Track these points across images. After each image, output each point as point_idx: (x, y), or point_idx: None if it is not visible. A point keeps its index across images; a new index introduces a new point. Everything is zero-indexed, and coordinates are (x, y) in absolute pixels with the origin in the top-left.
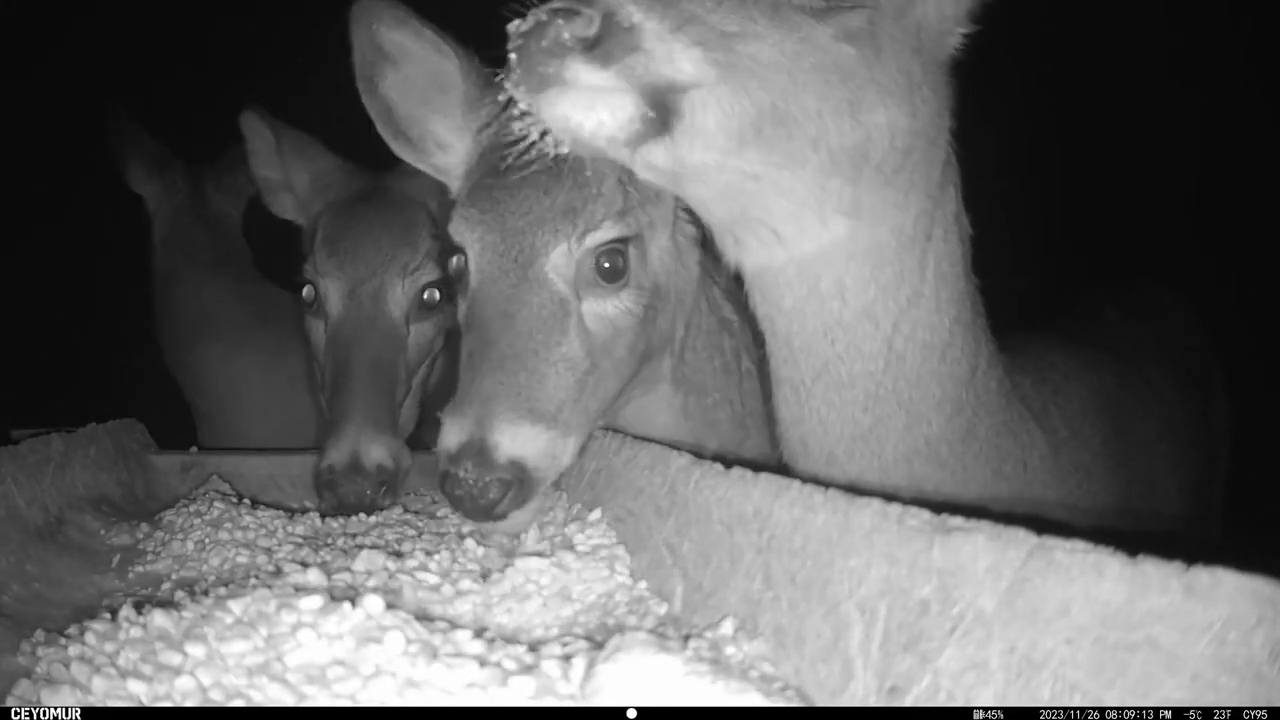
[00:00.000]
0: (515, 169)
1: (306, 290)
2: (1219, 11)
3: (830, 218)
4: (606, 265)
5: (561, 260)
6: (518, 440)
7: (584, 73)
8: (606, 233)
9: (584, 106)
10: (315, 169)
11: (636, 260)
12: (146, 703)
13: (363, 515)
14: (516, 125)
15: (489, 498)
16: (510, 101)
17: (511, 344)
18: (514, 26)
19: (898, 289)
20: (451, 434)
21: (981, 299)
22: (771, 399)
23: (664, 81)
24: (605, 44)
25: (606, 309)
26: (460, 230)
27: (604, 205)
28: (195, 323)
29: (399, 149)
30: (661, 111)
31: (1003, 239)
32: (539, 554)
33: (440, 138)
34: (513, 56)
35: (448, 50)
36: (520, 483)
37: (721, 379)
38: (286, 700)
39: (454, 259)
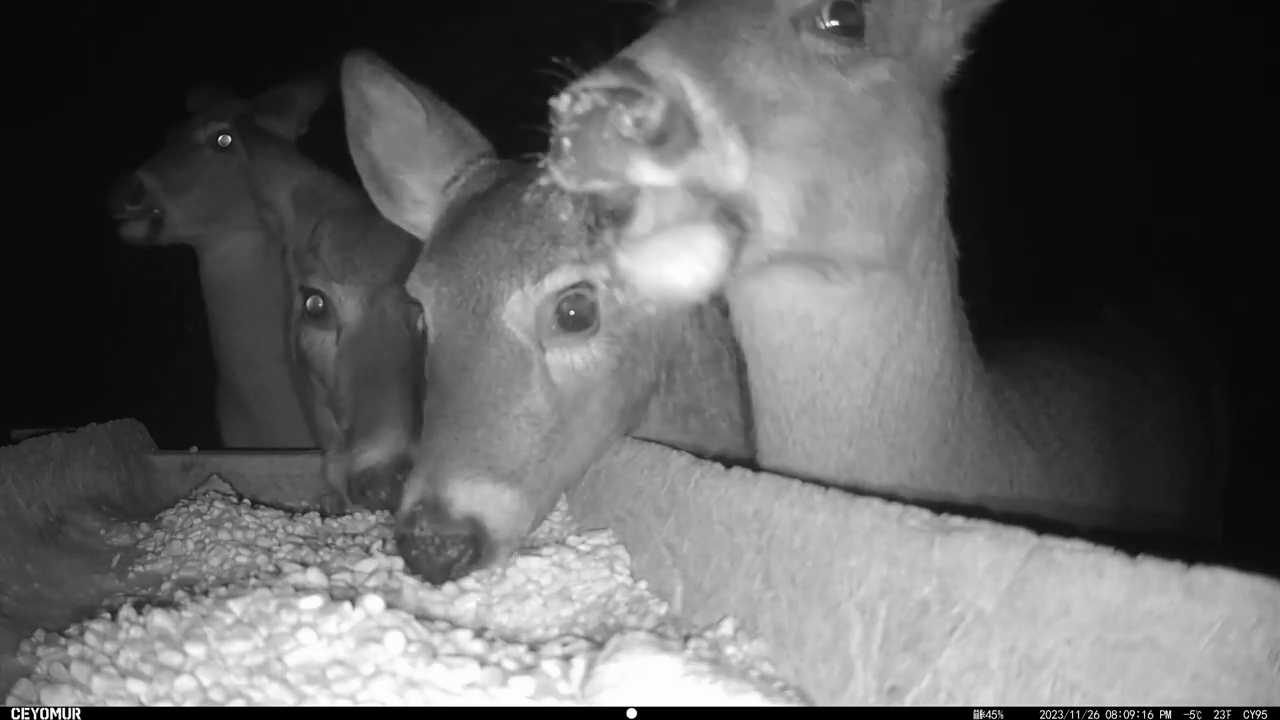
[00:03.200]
0: (476, 217)
1: (311, 301)
2: (1213, 7)
3: (854, 272)
4: (571, 313)
5: (518, 308)
6: (476, 497)
7: (649, 172)
8: (566, 277)
9: (674, 260)
10: (294, 184)
11: (609, 306)
12: (146, 703)
13: (362, 514)
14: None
15: (446, 556)
16: (554, 189)
17: (468, 398)
18: (564, 106)
19: (890, 326)
20: (407, 496)
21: (968, 319)
22: (752, 428)
23: (723, 189)
24: (671, 139)
25: (574, 360)
26: (416, 285)
27: (563, 248)
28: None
29: (381, 205)
30: (734, 228)
31: (998, 242)
32: (539, 554)
33: (415, 193)
34: (564, 143)
35: (416, 105)
36: (477, 543)
37: (719, 395)
38: (286, 700)
39: (417, 316)
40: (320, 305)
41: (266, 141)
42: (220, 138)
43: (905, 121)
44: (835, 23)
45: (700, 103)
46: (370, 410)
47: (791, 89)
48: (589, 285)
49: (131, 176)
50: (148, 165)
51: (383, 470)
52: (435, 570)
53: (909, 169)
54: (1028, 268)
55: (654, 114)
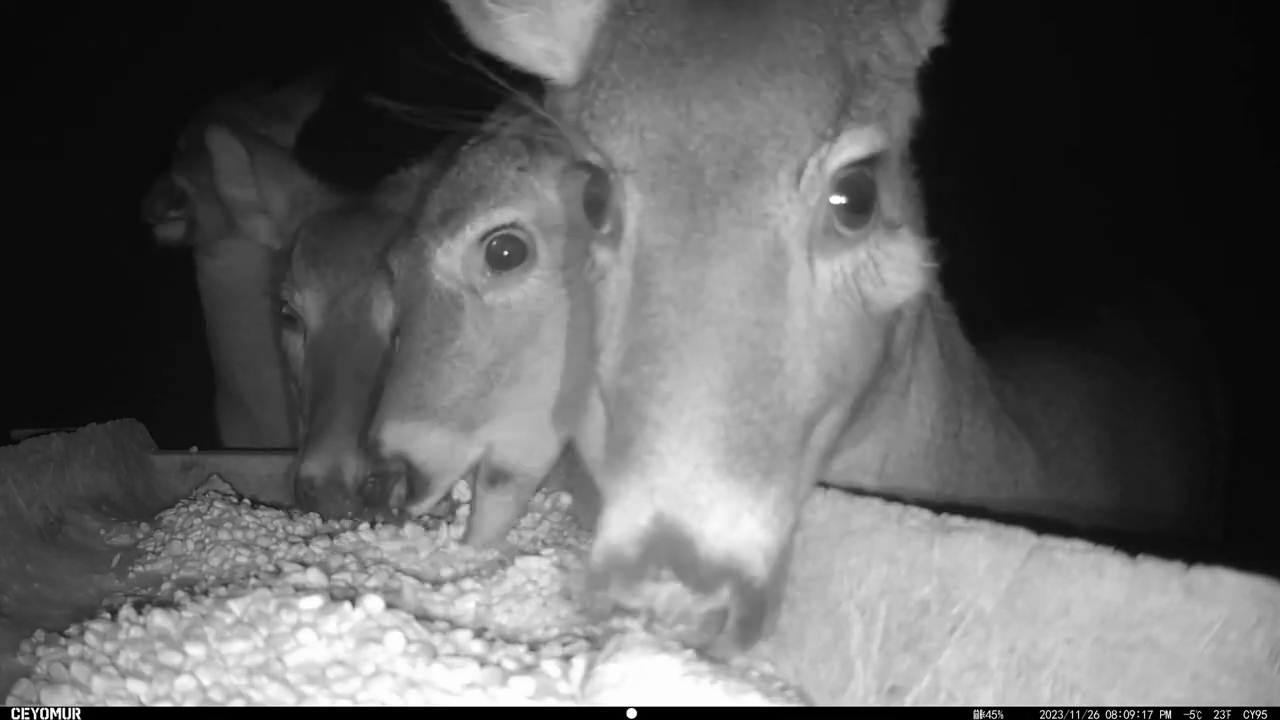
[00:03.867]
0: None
1: (286, 305)
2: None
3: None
4: (505, 253)
5: (443, 260)
6: (402, 436)
7: (734, 651)
8: (486, 222)
9: None
10: (292, 188)
11: (547, 240)
12: (146, 703)
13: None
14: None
15: (379, 489)
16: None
17: (409, 349)
18: (642, 603)
19: (886, 425)
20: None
21: (960, 320)
22: None
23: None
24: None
25: (510, 297)
26: (389, 260)
27: (484, 197)
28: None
29: None
30: None
31: (998, 242)
32: (539, 554)
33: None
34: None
35: None
36: (410, 476)
37: None
38: (286, 700)
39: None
40: (291, 310)
41: (266, 147)
42: None
43: (917, 280)
44: (844, 200)
45: (744, 548)
46: (319, 419)
47: (819, 384)
48: (516, 224)
49: (171, 183)
50: (179, 169)
51: (320, 483)
52: (374, 503)
53: (910, 319)
54: (1026, 267)
55: (722, 598)
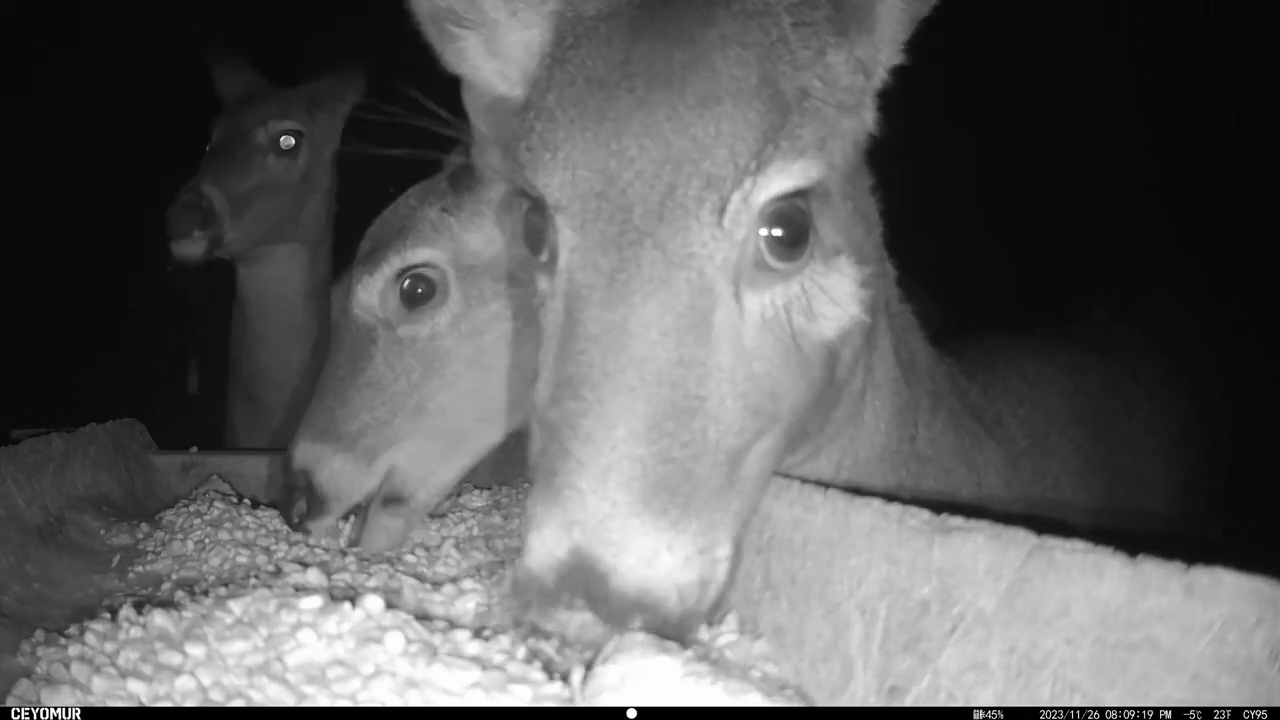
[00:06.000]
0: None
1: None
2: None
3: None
4: (419, 290)
5: (363, 295)
6: (309, 455)
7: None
8: (401, 260)
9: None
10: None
11: (460, 278)
12: (146, 703)
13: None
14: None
15: (285, 499)
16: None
17: (327, 375)
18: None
19: (842, 435)
20: None
21: (923, 321)
22: None
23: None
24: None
25: (419, 332)
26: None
27: (404, 236)
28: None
29: None
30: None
31: (994, 244)
32: None
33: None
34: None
35: None
36: (310, 493)
37: None
38: (286, 700)
39: None
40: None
41: None
42: (284, 139)
43: (852, 311)
44: (777, 232)
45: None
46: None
47: (745, 417)
48: (429, 264)
49: (199, 194)
50: (211, 178)
51: None
52: (286, 513)
53: (859, 335)
54: (1026, 268)
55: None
